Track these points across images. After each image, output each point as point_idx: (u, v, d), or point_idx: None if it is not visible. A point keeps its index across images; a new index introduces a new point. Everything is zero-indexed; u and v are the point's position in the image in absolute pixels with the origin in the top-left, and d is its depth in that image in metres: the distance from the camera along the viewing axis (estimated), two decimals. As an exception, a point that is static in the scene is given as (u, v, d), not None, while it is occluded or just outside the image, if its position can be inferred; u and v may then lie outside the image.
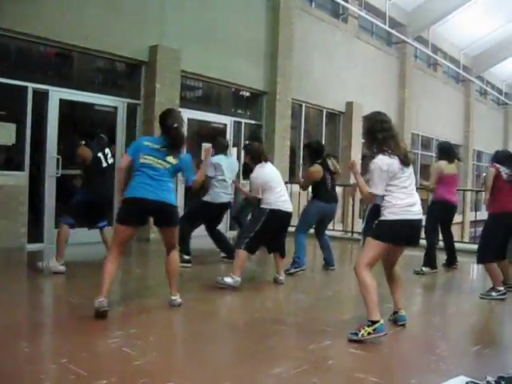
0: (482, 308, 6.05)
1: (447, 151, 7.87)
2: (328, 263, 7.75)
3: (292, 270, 7.19)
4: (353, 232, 11.83)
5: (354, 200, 12.21)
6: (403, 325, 4.81)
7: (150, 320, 4.91)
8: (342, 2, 15.39)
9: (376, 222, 4.68)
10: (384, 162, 4.52)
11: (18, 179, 8.31)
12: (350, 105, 15.60)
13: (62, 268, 6.53)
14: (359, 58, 16.18)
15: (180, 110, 10.37)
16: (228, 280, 6.13)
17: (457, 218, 12.80)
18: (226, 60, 11.39)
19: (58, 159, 8.67)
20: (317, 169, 7.51)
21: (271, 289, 6.47)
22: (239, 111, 12.81)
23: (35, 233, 8.61)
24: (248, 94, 12.82)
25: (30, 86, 8.42)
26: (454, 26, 20.52)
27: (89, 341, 4.12)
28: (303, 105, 14.26)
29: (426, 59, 21.65)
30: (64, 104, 8.91)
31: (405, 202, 4.54)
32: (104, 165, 6.87)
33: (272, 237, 6.57)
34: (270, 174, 6.60)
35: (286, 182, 12.28)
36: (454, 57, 23.15)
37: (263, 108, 12.85)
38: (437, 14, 19.07)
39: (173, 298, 5.26)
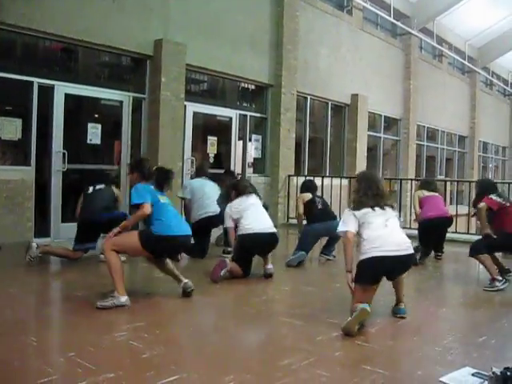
0: (488, 299, 6.04)
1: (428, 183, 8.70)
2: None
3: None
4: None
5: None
6: (402, 317, 4.86)
7: (157, 313, 4.94)
8: (347, -6, 15.36)
9: None
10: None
11: (25, 174, 8.34)
12: (355, 97, 15.56)
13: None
14: (364, 49, 16.13)
15: (185, 103, 10.45)
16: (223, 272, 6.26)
17: (463, 210, 12.76)
18: (231, 53, 11.40)
19: (64, 154, 8.70)
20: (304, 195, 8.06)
21: (277, 281, 6.48)
22: (244, 104, 12.80)
23: (42, 227, 8.65)
24: (253, 86, 12.81)
25: (36, 80, 8.45)
26: (459, 17, 20.40)
27: (96, 334, 4.14)
28: (308, 97, 14.23)
29: (431, 50, 21.54)
30: (69, 98, 8.93)
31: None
32: None
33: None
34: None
35: (289, 175, 12.53)
36: (460, 48, 23.02)
37: (268, 101, 12.85)
38: (442, 5, 18.95)
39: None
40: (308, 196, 7.92)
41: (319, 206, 7.83)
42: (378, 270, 4.66)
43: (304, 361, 3.66)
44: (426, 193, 8.28)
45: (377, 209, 4.83)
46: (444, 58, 21.98)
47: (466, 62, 23.13)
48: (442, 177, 21.31)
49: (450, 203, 15.40)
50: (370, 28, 17.02)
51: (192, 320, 4.91)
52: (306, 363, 3.62)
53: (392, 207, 5.02)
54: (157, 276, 6.42)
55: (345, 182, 12.79)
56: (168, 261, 5.54)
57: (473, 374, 3.42)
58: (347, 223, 4.85)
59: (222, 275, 6.20)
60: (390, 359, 3.87)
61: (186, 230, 5.49)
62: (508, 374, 3.05)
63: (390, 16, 17.42)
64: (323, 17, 14.46)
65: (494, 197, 6.60)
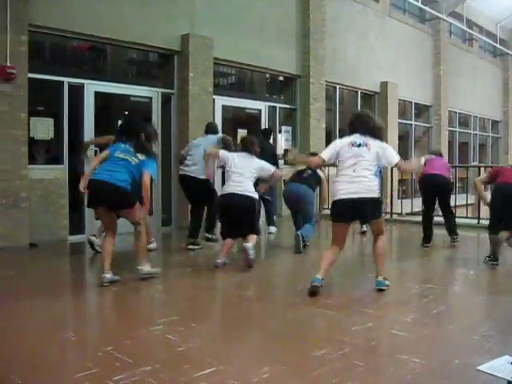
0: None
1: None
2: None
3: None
4: (392, 213, 11.72)
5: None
6: (381, 290, 5.27)
7: (191, 306, 4.97)
8: (373, -19, 15.18)
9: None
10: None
11: (58, 172, 8.46)
12: (384, 85, 15.40)
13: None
14: (392, 36, 15.94)
15: (214, 97, 10.47)
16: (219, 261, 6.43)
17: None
18: (258, 45, 11.37)
19: (95, 151, 8.78)
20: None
21: (310, 271, 6.45)
22: (273, 96, 12.78)
23: (76, 225, 8.77)
24: (281, 78, 12.77)
25: (66, 80, 8.55)
26: (489, -1, 20.03)
27: (133, 329, 4.19)
28: (337, 87, 14.14)
29: (461, 35, 21.18)
30: (99, 96, 9.02)
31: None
32: None
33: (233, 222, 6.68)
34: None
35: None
36: (491, 30, 22.56)
37: (297, 92, 12.79)
38: (471, -13, 18.65)
39: (139, 267, 5.78)
40: None
41: None
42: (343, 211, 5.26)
43: (339, 351, 3.65)
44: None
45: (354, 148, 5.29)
46: (474, 41, 21.60)
47: (497, 45, 22.66)
48: (476, 163, 20.98)
49: (485, 189, 15.14)
50: (397, 14, 16.81)
51: (225, 312, 4.94)
52: (341, 353, 3.61)
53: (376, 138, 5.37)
54: (188, 269, 6.49)
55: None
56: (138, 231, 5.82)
57: (512, 363, 3.37)
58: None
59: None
60: (425, 348, 3.83)
61: (107, 177, 5.63)
62: (548, 361, 3.00)
63: (418, 1, 17.16)
64: (350, 5, 14.32)
65: None
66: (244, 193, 6.50)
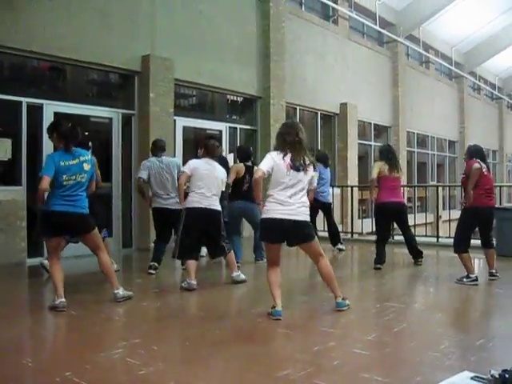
0: (484, 302, 6.06)
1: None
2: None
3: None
4: (353, 233, 11.84)
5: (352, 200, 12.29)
6: (340, 310, 5.19)
7: (153, 329, 4.91)
8: (332, 4, 15.44)
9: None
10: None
11: (16, 194, 8.31)
12: (344, 106, 15.63)
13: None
14: (351, 58, 16.22)
15: (175, 118, 10.46)
16: (183, 284, 6.33)
17: (455, 215, 12.76)
18: (219, 67, 11.43)
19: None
20: (240, 166, 7.80)
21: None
22: (234, 117, 12.83)
23: (35, 247, 8.59)
24: (242, 99, 12.84)
25: (24, 100, 8.44)
26: (444, 24, 20.58)
27: (93, 353, 4.10)
28: (297, 108, 14.28)
29: (417, 57, 21.69)
30: (59, 117, 8.90)
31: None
32: None
33: (201, 238, 6.57)
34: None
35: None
36: (446, 54, 23.18)
37: (258, 113, 12.87)
38: (426, 12, 19.11)
39: (115, 291, 5.64)
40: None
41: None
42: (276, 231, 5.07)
43: (302, 371, 3.64)
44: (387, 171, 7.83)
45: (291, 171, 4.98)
46: (431, 64, 22.13)
47: (452, 68, 23.29)
48: (434, 182, 21.38)
49: (443, 208, 15.44)
50: (356, 37, 17.13)
51: (188, 334, 4.88)
52: (304, 373, 3.60)
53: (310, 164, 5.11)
54: (150, 292, 6.42)
55: (336, 190, 12.79)
56: (103, 259, 5.69)
57: (472, 378, 3.40)
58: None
59: None
60: (388, 366, 3.85)
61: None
62: (506, 376, 3.04)
63: (376, 24, 17.54)
64: (309, 27, 14.54)
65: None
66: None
